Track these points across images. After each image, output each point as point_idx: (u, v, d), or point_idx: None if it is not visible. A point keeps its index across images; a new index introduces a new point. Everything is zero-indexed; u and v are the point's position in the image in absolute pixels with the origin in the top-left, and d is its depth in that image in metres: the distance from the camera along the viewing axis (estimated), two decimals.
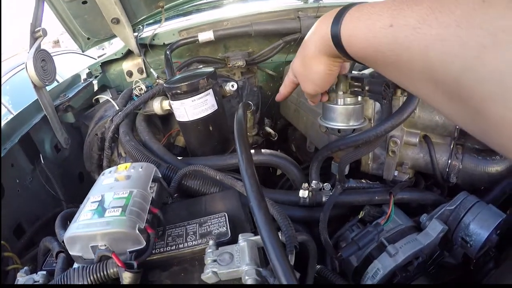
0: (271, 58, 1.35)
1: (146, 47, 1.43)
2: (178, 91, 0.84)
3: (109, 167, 0.71)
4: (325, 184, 0.87)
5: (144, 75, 1.52)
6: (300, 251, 0.51)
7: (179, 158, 0.85)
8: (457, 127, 0.84)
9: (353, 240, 0.79)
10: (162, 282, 0.50)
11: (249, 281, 0.43)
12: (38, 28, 1.09)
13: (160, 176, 0.66)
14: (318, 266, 0.76)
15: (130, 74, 1.51)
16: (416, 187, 0.97)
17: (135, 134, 0.96)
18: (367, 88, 0.70)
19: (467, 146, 0.87)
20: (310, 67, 0.53)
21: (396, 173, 0.93)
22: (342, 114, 0.74)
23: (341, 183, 0.84)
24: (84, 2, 1.22)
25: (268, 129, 1.10)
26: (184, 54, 1.44)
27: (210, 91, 0.84)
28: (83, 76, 1.51)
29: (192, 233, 0.56)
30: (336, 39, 0.45)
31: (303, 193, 0.84)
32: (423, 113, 0.88)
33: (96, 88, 1.43)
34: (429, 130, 0.89)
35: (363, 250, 0.79)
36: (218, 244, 0.51)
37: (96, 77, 1.50)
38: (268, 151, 0.88)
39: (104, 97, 1.22)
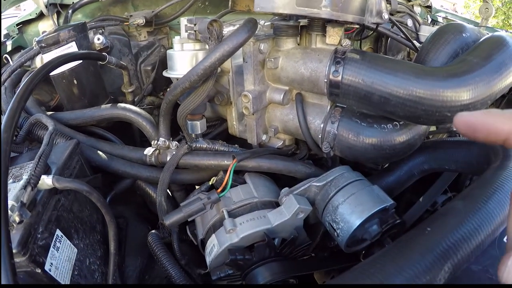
0: (176, 19, 1.36)
1: (57, 7, 1.43)
2: (43, 44, 0.88)
3: None
4: (173, 141, 0.78)
5: None
6: None
7: (48, 113, 0.90)
8: (326, 80, 0.65)
9: (180, 206, 0.69)
10: None
11: None
12: None
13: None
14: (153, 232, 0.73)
15: None
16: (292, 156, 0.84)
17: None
18: (195, 29, 0.68)
19: (350, 109, 0.70)
20: None
21: (264, 137, 0.82)
22: (180, 62, 0.75)
23: (189, 142, 0.76)
24: None
25: None
26: (96, 14, 1.45)
27: (73, 44, 0.88)
28: None
29: None
30: None
31: (147, 151, 0.77)
32: (287, 63, 0.73)
33: (9, 48, 1.44)
34: (296, 86, 0.75)
35: (208, 221, 0.68)
36: None
37: (12, 38, 1.50)
38: (123, 105, 0.87)
39: (8, 56, 1.24)
